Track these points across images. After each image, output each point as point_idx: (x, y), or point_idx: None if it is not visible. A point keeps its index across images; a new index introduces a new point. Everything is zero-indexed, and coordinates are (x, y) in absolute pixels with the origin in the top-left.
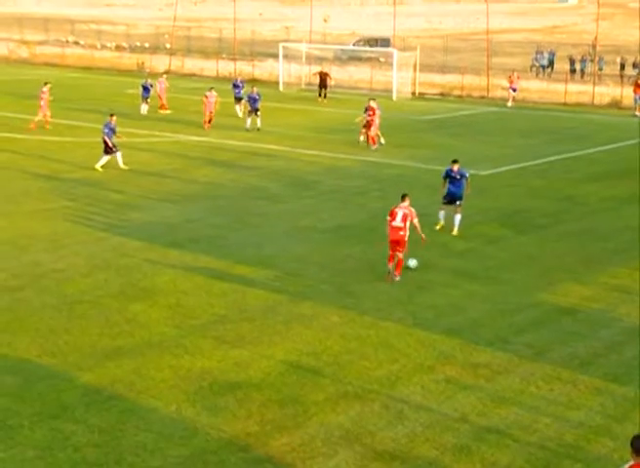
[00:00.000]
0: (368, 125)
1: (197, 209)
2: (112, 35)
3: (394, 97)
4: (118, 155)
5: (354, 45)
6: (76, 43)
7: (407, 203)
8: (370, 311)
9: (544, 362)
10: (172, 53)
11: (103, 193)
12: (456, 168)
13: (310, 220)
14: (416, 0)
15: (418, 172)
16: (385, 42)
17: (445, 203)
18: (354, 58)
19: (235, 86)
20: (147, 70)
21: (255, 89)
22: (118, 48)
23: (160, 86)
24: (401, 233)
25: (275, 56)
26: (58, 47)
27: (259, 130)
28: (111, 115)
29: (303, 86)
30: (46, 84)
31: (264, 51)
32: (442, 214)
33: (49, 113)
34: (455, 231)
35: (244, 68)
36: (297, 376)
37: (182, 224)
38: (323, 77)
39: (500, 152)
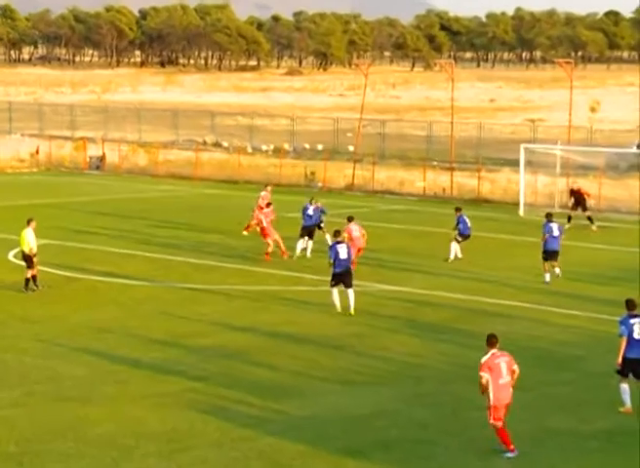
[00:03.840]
0: None
1: (389, 396)
2: (269, 133)
3: None
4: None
5: (639, 147)
6: (216, 145)
7: (496, 348)
8: None
9: None
10: (357, 159)
11: (247, 369)
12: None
13: (568, 419)
14: None
15: None
16: None
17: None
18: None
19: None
20: (320, 184)
21: None
22: (277, 151)
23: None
24: (511, 390)
25: (514, 163)
26: (189, 151)
27: (558, 276)
28: (336, 235)
29: (557, 208)
30: (266, 186)
31: (496, 155)
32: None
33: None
34: None
35: (465, 182)
36: None
37: (366, 420)
38: (577, 198)
39: None
